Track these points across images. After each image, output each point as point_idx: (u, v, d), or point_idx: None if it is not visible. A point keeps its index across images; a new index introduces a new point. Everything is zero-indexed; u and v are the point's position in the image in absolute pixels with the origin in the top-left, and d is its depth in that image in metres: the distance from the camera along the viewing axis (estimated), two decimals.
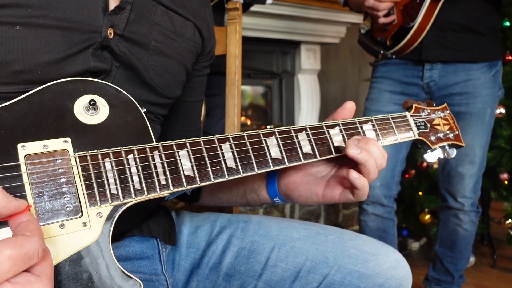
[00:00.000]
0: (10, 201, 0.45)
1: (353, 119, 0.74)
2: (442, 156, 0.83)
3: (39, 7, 0.59)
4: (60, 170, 0.54)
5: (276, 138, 0.67)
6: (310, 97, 3.10)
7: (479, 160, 1.75)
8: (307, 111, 3.08)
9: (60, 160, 0.55)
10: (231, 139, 0.64)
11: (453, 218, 1.84)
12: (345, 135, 0.71)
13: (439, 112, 0.84)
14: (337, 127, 0.72)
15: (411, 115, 0.79)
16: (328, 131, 0.71)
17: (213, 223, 0.87)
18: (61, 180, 0.54)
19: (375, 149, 0.68)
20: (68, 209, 0.53)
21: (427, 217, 2.58)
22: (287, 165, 0.67)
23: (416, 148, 2.39)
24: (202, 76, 0.92)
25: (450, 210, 1.84)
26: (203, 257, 0.82)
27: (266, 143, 0.66)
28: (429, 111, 0.82)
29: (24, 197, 0.51)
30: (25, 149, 0.54)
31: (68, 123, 0.58)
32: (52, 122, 0.57)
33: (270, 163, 0.65)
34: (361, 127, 0.73)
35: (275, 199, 0.81)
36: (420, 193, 2.60)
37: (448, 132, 0.83)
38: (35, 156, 0.54)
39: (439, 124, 0.82)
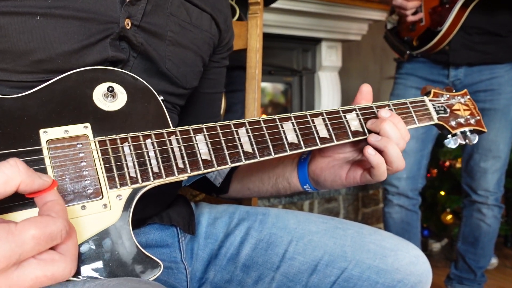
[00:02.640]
0: (35, 179, 0.46)
1: (370, 104, 0.74)
2: (463, 142, 0.81)
3: None
4: (80, 154, 0.56)
5: (292, 123, 0.67)
6: (331, 95, 3.08)
7: (503, 155, 1.76)
8: (327, 108, 3.06)
9: (81, 145, 0.56)
10: (247, 124, 0.65)
11: (476, 213, 1.84)
12: (362, 120, 0.71)
13: (459, 98, 0.82)
14: (354, 112, 0.71)
15: (430, 100, 0.78)
16: (344, 116, 0.71)
17: (232, 215, 0.87)
18: (82, 163, 0.56)
19: (390, 128, 0.68)
20: (89, 191, 0.55)
21: (449, 217, 2.53)
22: (304, 149, 0.67)
23: (439, 147, 2.35)
24: (220, 68, 0.92)
25: (473, 204, 1.84)
26: (221, 248, 0.83)
27: (282, 127, 0.66)
28: (448, 96, 0.81)
29: None
30: (47, 134, 0.55)
31: (88, 109, 0.59)
32: (73, 109, 0.59)
33: (287, 147, 0.66)
34: (378, 112, 0.73)
35: (305, 187, 0.82)
36: (442, 192, 2.56)
37: (469, 117, 0.81)
38: (56, 141, 0.56)
39: (459, 110, 0.81)
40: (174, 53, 0.74)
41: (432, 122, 0.77)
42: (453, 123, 0.79)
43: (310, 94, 3.12)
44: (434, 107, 0.78)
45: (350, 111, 0.71)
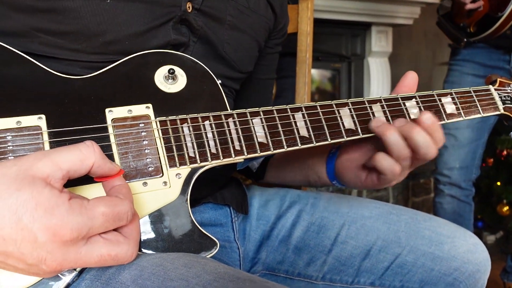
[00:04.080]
0: (106, 162, 0.48)
1: (431, 91, 0.71)
2: None
3: None
4: (142, 133, 0.58)
5: (349, 109, 0.66)
6: (381, 81, 3.00)
7: None
8: (377, 95, 2.98)
9: (143, 124, 0.58)
10: (303, 109, 0.65)
11: None
12: (422, 108, 0.69)
13: None
14: (414, 100, 0.69)
15: (495, 89, 0.75)
16: (404, 103, 0.69)
17: (283, 198, 0.88)
18: (144, 142, 0.57)
19: (421, 136, 0.62)
20: (150, 169, 0.57)
21: (505, 209, 2.42)
22: (361, 135, 0.66)
23: (496, 135, 2.24)
24: (273, 54, 0.92)
25: None
26: (273, 229, 0.84)
27: (339, 113, 0.66)
28: None
29: (111, 156, 0.55)
30: (112, 113, 0.58)
31: (150, 91, 0.61)
32: (136, 90, 0.60)
33: (344, 133, 0.65)
34: (440, 100, 0.70)
35: (334, 182, 0.80)
36: (498, 183, 2.45)
37: None
38: (120, 119, 0.58)
39: None
40: (232, 37, 0.75)
41: (497, 113, 0.74)
42: None
43: (359, 80, 3.05)
44: (500, 97, 0.74)
45: (409, 98, 0.69)
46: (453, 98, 0.70)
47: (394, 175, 0.64)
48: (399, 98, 0.69)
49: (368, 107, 0.67)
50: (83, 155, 0.46)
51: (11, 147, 0.52)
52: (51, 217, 0.41)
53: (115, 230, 0.47)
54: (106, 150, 0.56)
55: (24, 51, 0.56)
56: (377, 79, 2.99)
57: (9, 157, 0.51)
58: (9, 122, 0.53)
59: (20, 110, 0.54)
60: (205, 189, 0.76)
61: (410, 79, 0.71)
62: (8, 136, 0.52)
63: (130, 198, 0.48)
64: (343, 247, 0.79)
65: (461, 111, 0.70)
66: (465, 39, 1.69)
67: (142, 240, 0.54)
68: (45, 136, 0.54)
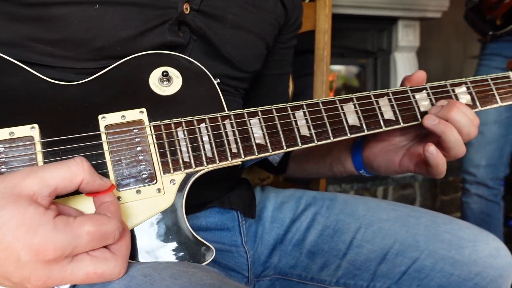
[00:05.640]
0: (95, 179, 0.47)
1: (444, 81, 0.67)
2: None
3: None
4: (136, 139, 0.56)
5: (354, 105, 0.63)
6: None
7: None
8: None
9: (136, 130, 0.57)
10: (304, 106, 0.62)
11: None
12: (433, 100, 0.64)
13: None
14: (424, 91, 0.65)
15: None
16: (413, 96, 0.65)
17: (298, 200, 0.85)
18: (137, 148, 0.56)
19: (459, 116, 0.61)
20: (143, 176, 0.55)
21: None
22: (366, 132, 0.62)
23: None
24: (287, 48, 0.89)
25: None
26: (287, 233, 0.81)
27: (342, 109, 0.62)
28: None
29: (104, 164, 0.54)
30: (105, 119, 0.57)
31: (144, 94, 0.60)
32: (130, 94, 0.59)
33: (347, 131, 0.62)
34: (453, 90, 0.65)
35: (361, 171, 0.78)
36: None
37: None
38: (114, 126, 0.57)
39: None
40: (235, 36, 0.72)
41: None
42: None
43: (386, 76, 2.96)
44: None
45: (419, 90, 0.65)
46: (468, 88, 0.66)
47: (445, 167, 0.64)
48: (408, 91, 0.65)
49: (374, 102, 0.64)
50: (71, 172, 0.46)
51: (4, 159, 0.52)
52: (34, 236, 0.41)
53: (104, 246, 0.46)
54: (99, 158, 0.55)
55: (18, 59, 0.56)
56: (404, 74, 2.85)
57: (2, 169, 0.51)
58: (2, 133, 0.53)
59: (13, 120, 0.54)
60: (211, 193, 0.74)
61: (417, 78, 0.68)
62: (1, 148, 0.52)
63: (119, 217, 0.47)
64: (359, 251, 0.76)
65: (477, 101, 0.65)
66: (490, 32, 1.62)
67: (136, 249, 0.53)
68: (38, 147, 0.53)
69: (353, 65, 2.99)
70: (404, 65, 2.92)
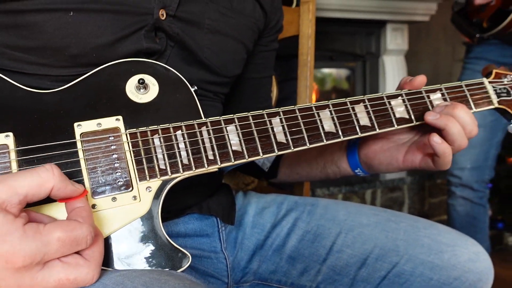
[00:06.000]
0: (67, 185, 0.47)
1: (420, 88, 0.67)
2: None
3: None
4: (112, 147, 0.57)
5: (330, 111, 0.64)
6: (397, 79, 2.92)
7: None
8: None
9: (112, 137, 0.57)
10: (281, 113, 0.62)
11: None
12: (408, 106, 0.65)
13: None
14: (400, 98, 0.66)
15: (489, 82, 0.70)
16: (389, 102, 0.65)
17: (280, 205, 0.85)
18: (113, 156, 0.56)
19: (463, 114, 0.63)
20: (119, 183, 0.55)
21: None
22: (342, 138, 0.63)
23: None
24: (269, 51, 0.90)
25: None
26: (267, 238, 0.82)
27: (319, 116, 0.63)
28: None
29: (79, 172, 0.54)
30: (81, 127, 0.57)
31: (121, 102, 0.60)
32: (106, 102, 0.59)
33: (323, 137, 0.62)
34: (428, 97, 0.66)
35: (356, 171, 0.79)
36: None
37: None
38: (90, 133, 0.57)
39: None
40: (213, 42, 0.72)
41: (491, 107, 0.69)
42: None
43: (375, 79, 2.98)
44: (495, 90, 0.70)
45: (395, 96, 0.66)
46: (442, 94, 0.67)
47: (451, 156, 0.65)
48: (384, 97, 0.66)
49: (350, 108, 0.64)
50: (41, 179, 0.46)
51: None
52: (3, 244, 0.41)
53: (76, 252, 0.46)
54: (75, 166, 0.55)
55: None
56: (393, 78, 2.91)
57: None
58: None
59: None
60: (190, 199, 0.74)
61: (418, 82, 0.69)
62: None
63: (90, 222, 0.47)
64: (339, 256, 0.76)
65: None
66: (477, 35, 1.64)
67: (112, 256, 0.53)
68: (13, 155, 0.53)
69: (341, 68, 3.00)
70: (393, 68, 2.94)
